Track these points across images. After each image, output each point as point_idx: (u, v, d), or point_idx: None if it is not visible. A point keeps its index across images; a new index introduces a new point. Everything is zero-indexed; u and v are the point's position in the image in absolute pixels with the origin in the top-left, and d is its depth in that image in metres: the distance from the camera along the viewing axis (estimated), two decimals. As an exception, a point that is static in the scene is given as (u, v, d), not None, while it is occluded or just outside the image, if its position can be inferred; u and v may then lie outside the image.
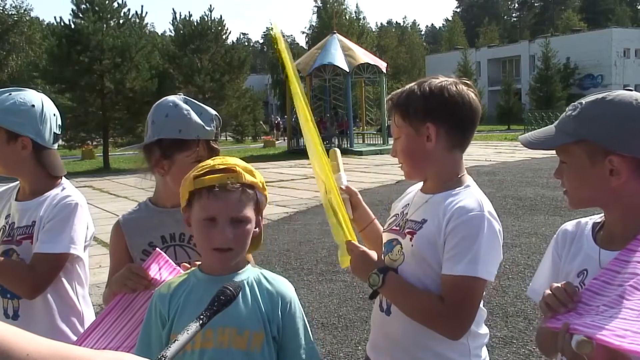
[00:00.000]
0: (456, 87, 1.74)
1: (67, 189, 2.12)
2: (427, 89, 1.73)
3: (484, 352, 1.81)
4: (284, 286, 1.61)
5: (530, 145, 1.54)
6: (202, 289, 1.54)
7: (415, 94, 1.75)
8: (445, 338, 1.68)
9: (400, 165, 1.84)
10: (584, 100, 1.47)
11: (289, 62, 1.83)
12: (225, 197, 1.49)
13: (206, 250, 1.54)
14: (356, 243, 1.80)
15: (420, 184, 1.91)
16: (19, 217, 2.09)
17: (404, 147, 1.78)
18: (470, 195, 1.71)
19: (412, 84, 1.81)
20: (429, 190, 1.81)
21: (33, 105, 2.05)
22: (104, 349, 1.73)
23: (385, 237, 1.88)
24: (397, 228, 1.83)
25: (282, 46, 1.84)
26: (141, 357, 1.05)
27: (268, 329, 1.53)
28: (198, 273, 1.59)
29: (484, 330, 1.81)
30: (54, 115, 2.12)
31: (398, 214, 1.89)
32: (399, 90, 1.84)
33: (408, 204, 1.87)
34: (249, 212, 1.53)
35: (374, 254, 1.79)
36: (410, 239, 1.74)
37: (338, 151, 2.08)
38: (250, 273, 1.59)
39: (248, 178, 1.53)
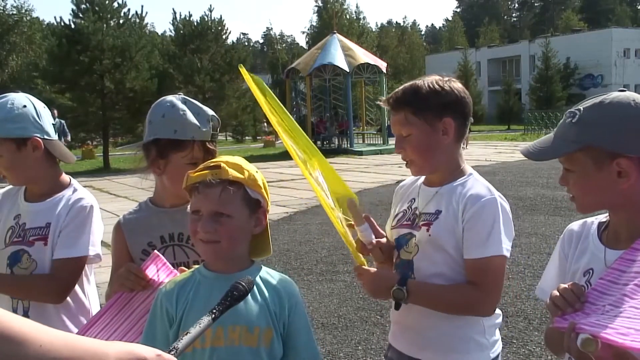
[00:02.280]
0: (457, 83, 1.86)
1: (79, 191, 2.14)
2: (437, 85, 1.81)
3: (497, 333, 1.90)
4: (291, 286, 1.64)
5: (532, 156, 1.54)
6: (209, 286, 1.56)
7: (425, 90, 1.80)
8: (460, 317, 1.80)
9: (408, 161, 1.87)
10: (581, 106, 1.47)
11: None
12: (207, 192, 1.53)
13: (196, 243, 1.59)
14: (364, 267, 1.86)
15: (413, 179, 1.99)
16: (31, 218, 2.08)
17: (419, 143, 1.81)
18: (478, 182, 1.83)
19: (413, 82, 1.86)
20: (434, 183, 1.88)
21: (25, 106, 2.04)
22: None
23: (396, 232, 1.93)
24: (409, 222, 1.89)
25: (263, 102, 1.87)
26: (149, 347, 1.06)
27: (277, 325, 1.56)
28: (203, 270, 1.61)
29: (497, 311, 1.88)
30: (44, 107, 2.13)
31: (406, 210, 1.94)
32: (397, 90, 1.87)
33: (414, 199, 1.92)
34: (233, 207, 1.53)
35: (385, 270, 1.88)
36: (427, 230, 1.81)
37: (356, 200, 1.94)
38: (256, 271, 1.61)
39: (232, 174, 1.53)
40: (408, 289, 1.75)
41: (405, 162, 1.88)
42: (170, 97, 2.00)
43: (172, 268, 1.81)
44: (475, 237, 1.74)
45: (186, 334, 1.14)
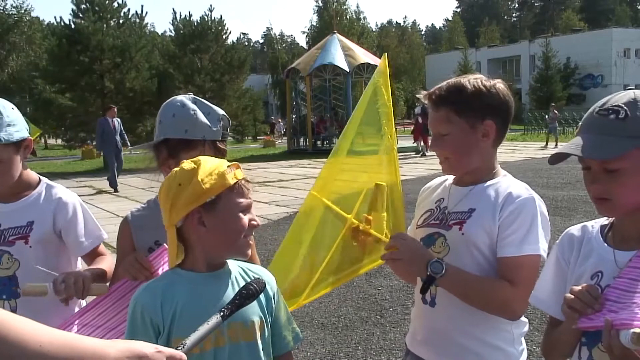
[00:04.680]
0: (502, 85, 1.83)
1: (55, 187, 2.15)
2: (482, 86, 1.78)
3: (524, 342, 1.88)
4: (268, 275, 1.66)
5: (593, 153, 1.42)
6: (195, 288, 1.53)
7: (469, 90, 1.77)
8: (491, 325, 1.77)
9: (443, 158, 1.83)
10: (620, 103, 1.42)
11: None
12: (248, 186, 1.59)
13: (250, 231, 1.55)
14: (406, 233, 1.79)
15: (441, 180, 1.96)
16: (7, 218, 2.06)
17: (457, 142, 1.79)
18: (515, 182, 1.80)
19: (457, 80, 1.82)
20: (466, 183, 1.84)
21: None
22: (101, 326, 1.87)
23: (423, 232, 1.88)
24: (437, 222, 1.84)
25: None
26: (148, 343, 1.06)
27: (266, 315, 1.59)
28: (182, 272, 1.56)
29: (524, 318, 1.86)
30: None
31: (433, 209, 1.90)
32: (441, 86, 1.82)
33: (442, 199, 1.88)
34: None
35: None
36: (460, 229, 1.77)
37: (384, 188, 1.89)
38: (234, 268, 1.61)
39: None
40: (446, 267, 1.68)
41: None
42: (180, 97, 2.00)
43: None
44: (512, 235, 1.70)
45: (195, 332, 1.15)
